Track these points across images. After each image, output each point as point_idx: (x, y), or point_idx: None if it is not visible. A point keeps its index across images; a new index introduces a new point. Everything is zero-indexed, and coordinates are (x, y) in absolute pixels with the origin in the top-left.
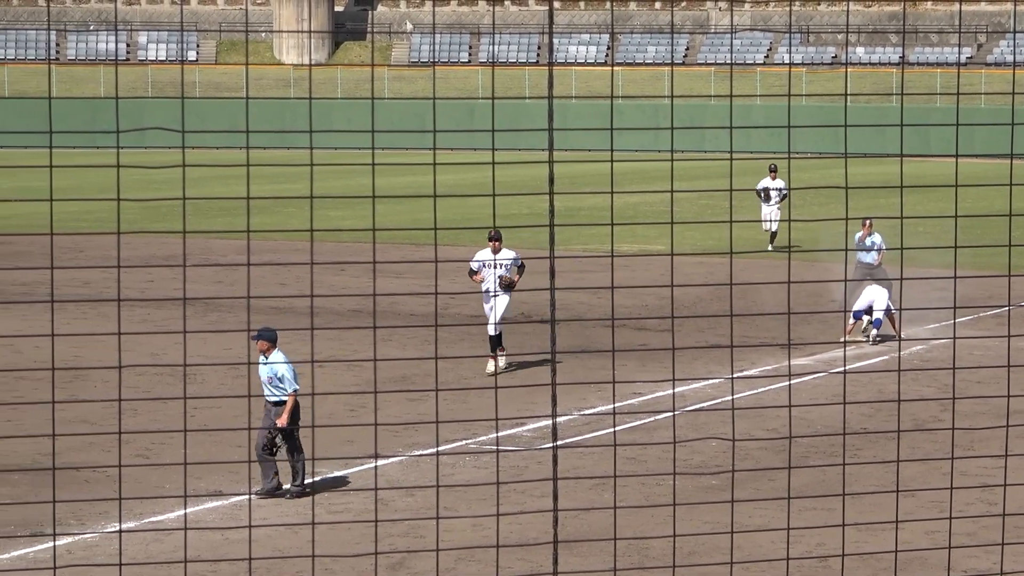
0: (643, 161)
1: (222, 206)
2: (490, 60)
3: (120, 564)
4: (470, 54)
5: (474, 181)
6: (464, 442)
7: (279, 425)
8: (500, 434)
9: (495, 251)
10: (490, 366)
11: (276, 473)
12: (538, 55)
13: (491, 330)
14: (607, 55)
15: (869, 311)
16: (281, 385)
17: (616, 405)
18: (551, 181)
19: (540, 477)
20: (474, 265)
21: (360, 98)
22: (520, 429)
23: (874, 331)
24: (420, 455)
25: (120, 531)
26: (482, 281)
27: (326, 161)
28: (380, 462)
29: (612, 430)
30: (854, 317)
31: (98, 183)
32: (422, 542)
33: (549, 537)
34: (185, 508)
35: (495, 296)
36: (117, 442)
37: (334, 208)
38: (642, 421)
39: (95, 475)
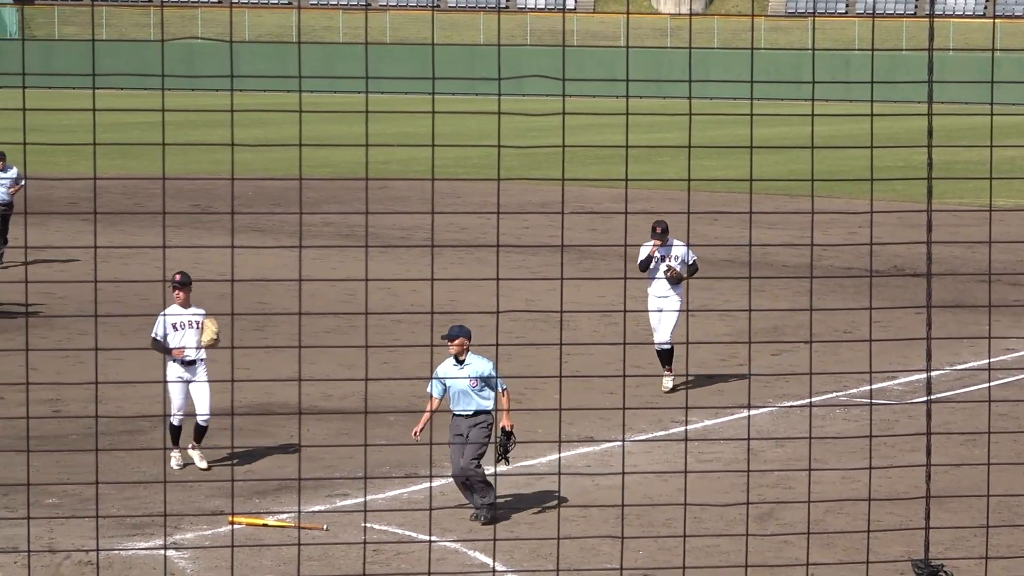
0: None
1: (598, 154)
2: (867, 12)
3: (494, 507)
4: (847, 5)
5: (849, 132)
6: (835, 394)
7: (506, 427)
8: (872, 387)
9: (662, 244)
10: (666, 382)
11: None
12: (916, 6)
13: (662, 343)
14: (986, 6)
15: None
16: (487, 388)
17: (990, 360)
18: (929, 134)
19: (911, 431)
20: (643, 251)
21: (736, 48)
22: (892, 383)
23: None
24: (791, 406)
25: (495, 474)
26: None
27: (702, 111)
28: (751, 412)
29: (986, 385)
30: None
31: (476, 129)
32: (791, 493)
33: (919, 492)
34: (559, 453)
35: (663, 298)
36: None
37: (708, 158)
38: (1016, 378)
39: None
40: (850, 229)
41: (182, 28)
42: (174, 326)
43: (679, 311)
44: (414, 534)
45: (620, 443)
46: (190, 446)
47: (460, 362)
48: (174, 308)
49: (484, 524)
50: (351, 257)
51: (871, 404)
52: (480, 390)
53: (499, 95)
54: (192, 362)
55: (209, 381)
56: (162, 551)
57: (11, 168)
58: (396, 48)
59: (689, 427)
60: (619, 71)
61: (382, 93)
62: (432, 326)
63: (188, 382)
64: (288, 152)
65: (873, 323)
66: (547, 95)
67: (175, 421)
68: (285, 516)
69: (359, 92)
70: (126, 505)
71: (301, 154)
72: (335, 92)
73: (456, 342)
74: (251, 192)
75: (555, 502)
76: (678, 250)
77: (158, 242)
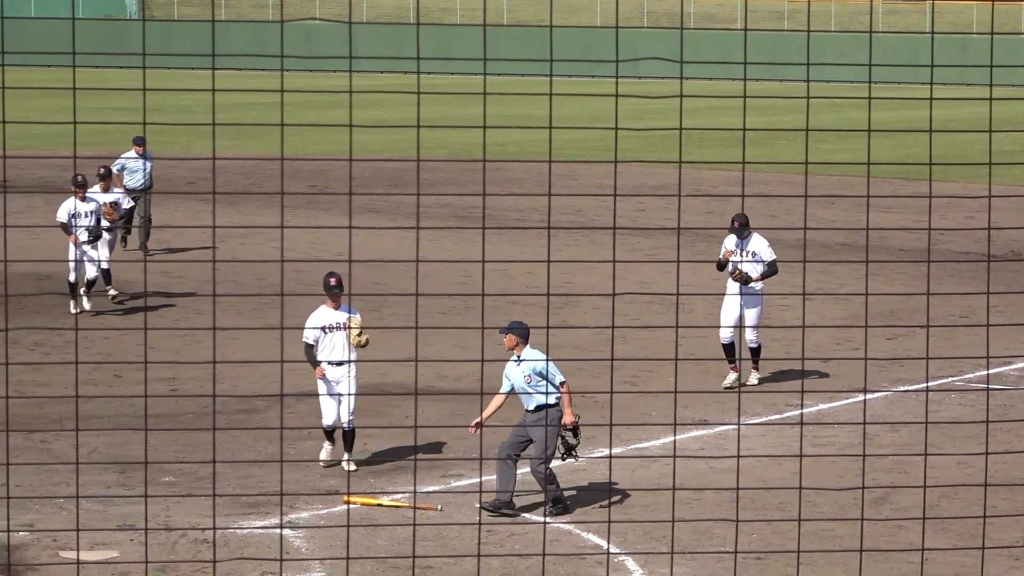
0: None
1: (714, 136)
2: None
3: (609, 487)
4: None
5: (967, 116)
6: (950, 379)
7: (569, 423)
8: (988, 372)
9: (743, 237)
10: (729, 378)
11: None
12: None
13: (749, 342)
14: None
15: None
16: (542, 383)
17: None
18: None
19: None
20: (728, 243)
21: (853, 31)
22: (1008, 368)
23: None
24: (906, 391)
25: (610, 456)
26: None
27: (819, 94)
28: (866, 396)
29: None
30: None
31: (593, 111)
32: (905, 478)
33: None
34: (675, 435)
35: (742, 293)
36: (607, 368)
37: (824, 141)
38: None
39: (583, 400)
40: (967, 213)
41: (300, 9)
42: (324, 329)
43: (759, 309)
44: (528, 515)
45: (735, 426)
46: (344, 458)
47: (517, 358)
48: (324, 310)
49: (553, 517)
50: (466, 239)
51: (987, 389)
52: (536, 385)
53: (616, 77)
54: (341, 363)
55: (354, 393)
56: (277, 530)
57: (149, 156)
58: (513, 30)
59: (804, 411)
60: (736, 54)
61: (499, 75)
62: (548, 308)
63: (338, 385)
64: (405, 133)
65: (990, 308)
66: (664, 77)
67: (328, 423)
68: (400, 496)
69: (476, 74)
70: (242, 484)
71: (419, 135)
72: (452, 74)
73: (507, 338)
74: (368, 173)
75: (669, 485)
76: (756, 244)
77: (275, 222)
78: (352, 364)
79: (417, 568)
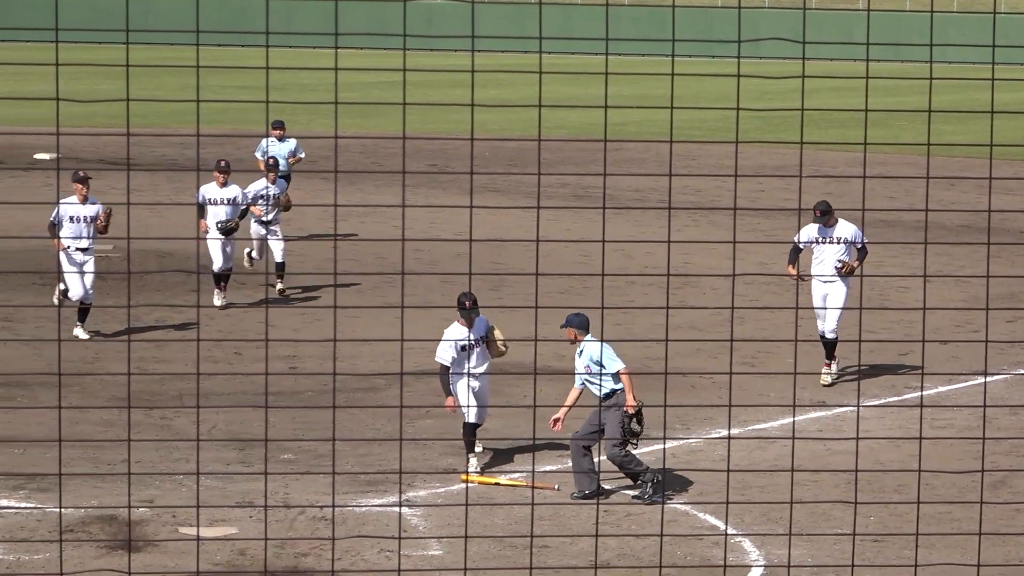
0: None
1: (835, 117)
2: None
3: (728, 471)
4: None
5: None
6: None
7: (630, 409)
8: None
9: (828, 225)
10: (824, 377)
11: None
12: None
13: (826, 332)
14: None
15: None
16: (602, 370)
17: None
18: None
19: None
20: (804, 233)
21: (976, 12)
22: None
23: None
24: None
25: (728, 437)
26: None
27: (940, 75)
28: (986, 379)
29: None
30: None
31: (713, 92)
32: None
33: None
34: (793, 417)
35: (829, 283)
36: (725, 349)
37: (946, 123)
38: None
39: (701, 381)
40: None
41: None
42: (463, 347)
43: (845, 300)
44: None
45: (853, 408)
46: (478, 448)
47: (580, 350)
48: (456, 328)
49: (646, 503)
50: (586, 218)
51: None
52: (594, 375)
53: (738, 57)
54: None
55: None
56: (396, 508)
57: (288, 140)
58: (634, 9)
59: (923, 393)
60: (858, 34)
61: (619, 55)
62: (668, 288)
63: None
64: (525, 113)
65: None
66: (784, 58)
67: (470, 419)
68: (517, 475)
69: (598, 54)
70: (360, 462)
71: (540, 114)
72: (572, 53)
73: (567, 331)
74: (488, 152)
75: (787, 466)
76: (845, 230)
77: (395, 201)
78: (485, 376)
79: (534, 547)
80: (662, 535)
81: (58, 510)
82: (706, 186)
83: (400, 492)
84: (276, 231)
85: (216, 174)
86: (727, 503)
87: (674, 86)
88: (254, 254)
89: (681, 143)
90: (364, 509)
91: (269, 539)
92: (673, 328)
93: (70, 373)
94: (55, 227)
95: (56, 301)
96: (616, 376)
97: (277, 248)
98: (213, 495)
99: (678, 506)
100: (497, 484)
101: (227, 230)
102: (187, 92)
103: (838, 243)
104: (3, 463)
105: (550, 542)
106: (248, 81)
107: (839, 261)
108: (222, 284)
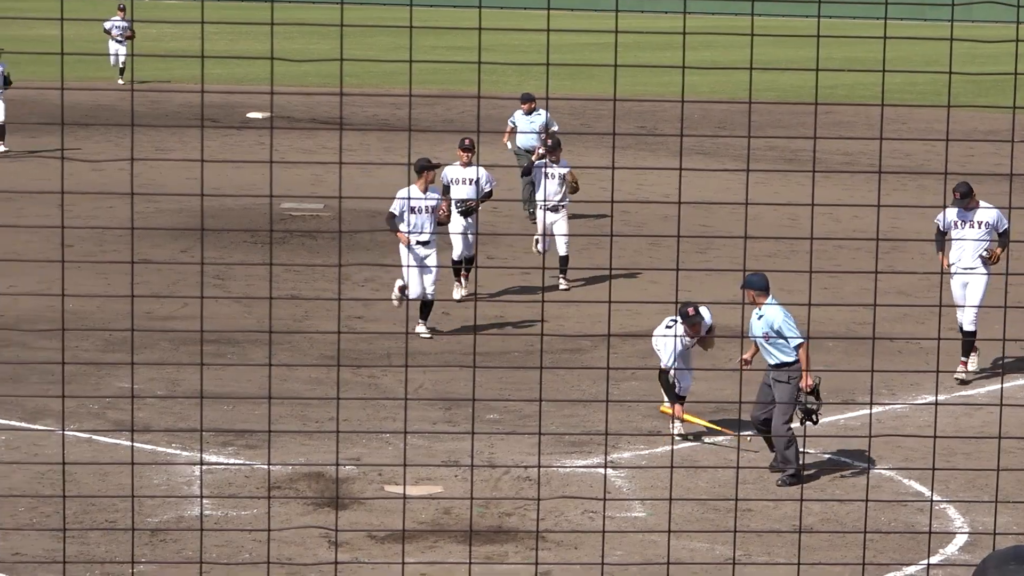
0: None
1: None
2: None
3: (934, 436)
4: None
5: None
6: None
7: (806, 387)
8: None
9: (968, 208)
10: (958, 374)
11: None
12: None
13: (964, 324)
14: None
15: None
16: (780, 340)
17: None
18: None
19: None
20: (950, 215)
21: None
22: None
23: None
24: None
25: (935, 403)
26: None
27: None
28: None
29: None
30: None
31: (924, 55)
32: None
33: None
34: (1001, 383)
35: (969, 271)
36: (934, 314)
37: None
38: None
39: (908, 346)
40: None
41: None
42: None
43: (985, 290)
44: (849, 460)
45: None
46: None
47: (759, 313)
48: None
49: (779, 486)
50: (794, 182)
51: None
52: (774, 342)
53: (952, 21)
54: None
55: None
56: (600, 469)
57: (540, 112)
58: None
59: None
60: None
61: (830, 17)
62: (877, 253)
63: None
64: (735, 75)
65: None
66: (997, 21)
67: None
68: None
69: (810, 16)
70: (565, 423)
71: (751, 77)
72: (783, 16)
73: (746, 292)
74: (697, 115)
75: (994, 433)
76: (986, 214)
77: (604, 162)
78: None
79: (738, 511)
80: (867, 500)
81: (266, 467)
82: (916, 150)
83: (606, 453)
84: (561, 220)
85: (460, 152)
86: (933, 469)
87: (886, 49)
88: (539, 247)
89: (892, 106)
90: (568, 470)
91: (475, 498)
92: (881, 293)
93: (280, 332)
94: (394, 218)
95: (395, 301)
96: (791, 348)
97: (561, 239)
98: (419, 454)
99: (883, 472)
100: (707, 427)
101: (467, 211)
102: (399, 52)
103: (979, 227)
104: (213, 419)
105: (753, 506)
106: (460, 42)
107: (986, 251)
108: (463, 274)
